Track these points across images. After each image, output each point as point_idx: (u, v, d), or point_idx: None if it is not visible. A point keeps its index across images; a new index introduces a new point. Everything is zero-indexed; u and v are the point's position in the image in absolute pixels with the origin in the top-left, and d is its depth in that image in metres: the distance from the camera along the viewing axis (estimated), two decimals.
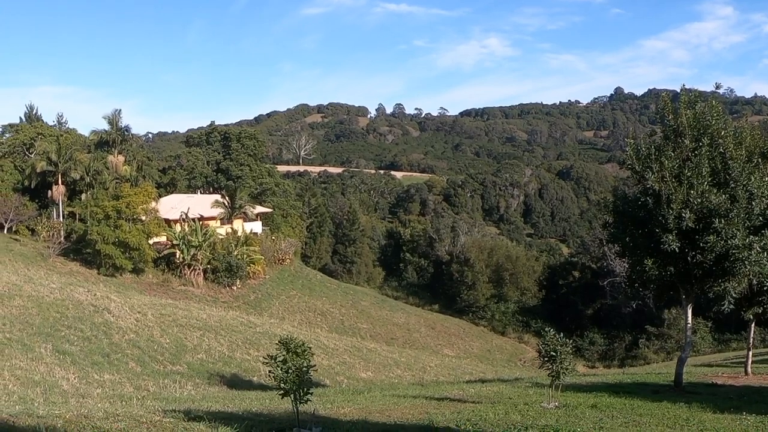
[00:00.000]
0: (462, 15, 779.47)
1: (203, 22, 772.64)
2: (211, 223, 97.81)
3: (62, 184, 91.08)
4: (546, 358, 23.21)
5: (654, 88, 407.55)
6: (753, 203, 25.22)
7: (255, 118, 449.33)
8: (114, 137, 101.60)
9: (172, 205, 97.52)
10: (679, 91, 28.26)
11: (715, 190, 25.22)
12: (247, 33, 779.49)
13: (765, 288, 27.66)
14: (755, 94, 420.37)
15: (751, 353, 38.07)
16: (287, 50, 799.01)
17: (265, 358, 16.40)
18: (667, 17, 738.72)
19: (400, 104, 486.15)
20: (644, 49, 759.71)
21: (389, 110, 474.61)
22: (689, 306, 29.09)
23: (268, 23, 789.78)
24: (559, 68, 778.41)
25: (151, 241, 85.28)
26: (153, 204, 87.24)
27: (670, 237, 25.41)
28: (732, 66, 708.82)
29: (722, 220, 24.71)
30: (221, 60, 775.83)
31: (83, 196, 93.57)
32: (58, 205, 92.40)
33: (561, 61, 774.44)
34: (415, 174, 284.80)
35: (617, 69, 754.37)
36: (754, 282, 27.67)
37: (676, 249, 25.60)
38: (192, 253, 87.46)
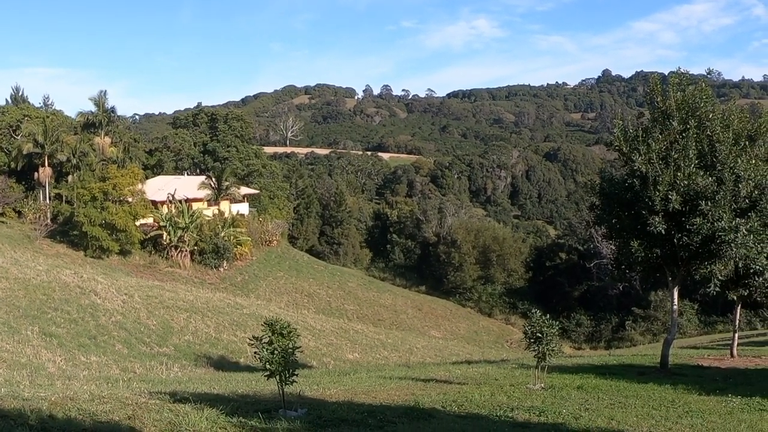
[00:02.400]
0: None
1: (194, 2, 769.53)
2: (198, 204, 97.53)
3: (49, 166, 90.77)
4: (532, 340, 23.29)
5: (641, 71, 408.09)
6: (739, 186, 25.23)
7: (242, 99, 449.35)
8: (100, 119, 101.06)
9: (158, 187, 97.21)
10: (667, 73, 28.29)
11: (701, 173, 25.23)
12: (238, 13, 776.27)
13: (751, 270, 27.68)
14: (743, 77, 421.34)
15: (736, 335, 38.29)
16: (277, 30, 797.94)
17: (251, 340, 16.39)
18: None
19: (388, 86, 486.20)
20: (633, 30, 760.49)
21: (376, 92, 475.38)
22: (675, 288, 29.18)
23: (260, 2, 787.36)
24: (548, 49, 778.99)
25: (137, 223, 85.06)
26: (140, 186, 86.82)
27: (657, 219, 25.44)
28: (721, 49, 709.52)
29: (709, 203, 24.74)
30: (210, 41, 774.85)
31: (70, 178, 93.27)
32: (44, 187, 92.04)
33: (550, 42, 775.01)
34: (402, 155, 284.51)
35: (606, 51, 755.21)
36: (740, 264, 27.69)
37: (663, 231, 25.62)
38: (179, 235, 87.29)
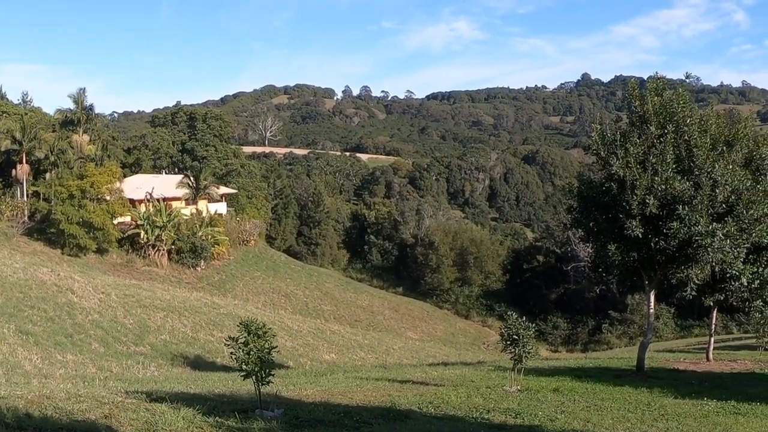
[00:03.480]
0: None
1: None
2: (176, 203, 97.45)
3: (26, 163, 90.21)
4: (508, 342, 23.32)
5: (621, 75, 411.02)
6: (716, 191, 25.38)
7: (221, 98, 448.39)
8: (79, 116, 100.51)
9: (136, 185, 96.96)
10: (645, 78, 28.42)
11: (679, 177, 25.37)
12: (217, 10, 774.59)
13: (727, 275, 27.81)
14: (721, 82, 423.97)
15: (712, 339, 38.44)
16: (257, 29, 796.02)
17: (227, 340, 16.40)
18: (638, 3, 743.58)
19: (367, 87, 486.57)
20: (614, 34, 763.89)
21: (356, 92, 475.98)
22: (652, 292, 29.33)
23: (240, 1, 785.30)
24: (528, 52, 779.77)
25: (115, 221, 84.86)
26: (118, 184, 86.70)
27: (634, 223, 25.56)
28: (700, 54, 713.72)
29: (686, 207, 24.88)
30: (190, 39, 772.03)
31: (48, 176, 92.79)
32: (22, 184, 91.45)
33: (530, 45, 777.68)
34: (380, 156, 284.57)
35: (586, 54, 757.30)
36: (717, 269, 27.85)
37: (640, 235, 25.75)
38: (156, 234, 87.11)
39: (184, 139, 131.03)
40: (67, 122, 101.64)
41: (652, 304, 29.81)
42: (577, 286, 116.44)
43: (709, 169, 25.42)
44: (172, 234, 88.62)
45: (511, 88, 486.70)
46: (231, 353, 16.22)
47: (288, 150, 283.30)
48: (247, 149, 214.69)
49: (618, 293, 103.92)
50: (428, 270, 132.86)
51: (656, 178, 25.39)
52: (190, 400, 17.24)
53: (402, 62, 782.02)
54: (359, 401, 20.52)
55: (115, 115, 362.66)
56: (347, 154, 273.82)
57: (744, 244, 26.01)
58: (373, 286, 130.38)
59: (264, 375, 16.06)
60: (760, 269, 28.75)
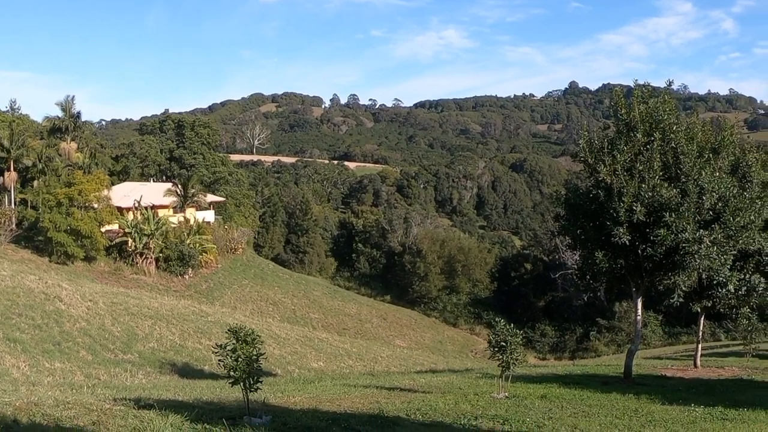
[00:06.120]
0: (421, 5, 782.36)
1: (163, 7, 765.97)
2: (164, 211, 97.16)
3: (14, 170, 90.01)
4: (496, 349, 23.33)
5: (608, 83, 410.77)
6: (703, 198, 25.44)
7: (209, 106, 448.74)
8: (67, 124, 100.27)
9: (124, 193, 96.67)
10: (633, 86, 28.48)
11: (666, 184, 25.45)
12: (206, 19, 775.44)
13: (714, 282, 27.90)
14: (709, 90, 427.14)
15: (700, 346, 38.53)
16: (246, 37, 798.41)
17: (215, 347, 16.39)
18: (626, 11, 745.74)
19: (355, 95, 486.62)
20: (602, 43, 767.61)
21: (344, 101, 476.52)
22: (639, 299, 29.36)
23: (229, 10, 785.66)
24: (516, 61, 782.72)
25: (103, 229, 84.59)
26: (105, 192, 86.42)
27: (621, 230, 25.62)
28: (689, 62, 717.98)
29: (673, 214, 24.93)
30: (178, 47, 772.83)
31: (35, 183, 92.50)
32: (9, 191, 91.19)
33: (518, 53, 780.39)
34: (368, 165, 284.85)
35: (574, 63, 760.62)
36: (704, 276, 27.98)
37: (627, 242, 25.82)
38: (144, 242, 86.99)
39: (172, 147, 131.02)
40: (55, 130, 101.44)
41: (639, 311, 29.85)
42: (565, 293, 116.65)
43: (695, 177, 25.50)
44: (160, 242, 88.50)
45: (499, 96, 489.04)
46: (219, 360, 16.19)
47: (276, 158, 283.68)
48: (235, 157, 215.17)
49: (606, 301, 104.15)
50: (416, 278, 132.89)
51: (643, 186, 25.46)
52: (178, 407, 17.22)
53: (390, 71, 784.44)
54: (347, 408, 20.53)
55: (103, 122, 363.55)
56: (335, 162, 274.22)
57: (731, 251, 26.09)
58: (361, 294, 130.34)
59: (252, 382, 16.05)
60: (747, 276, 28.95)
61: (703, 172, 25.58)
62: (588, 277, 30.33)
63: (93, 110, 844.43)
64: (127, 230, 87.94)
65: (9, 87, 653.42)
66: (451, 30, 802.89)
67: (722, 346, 68.23)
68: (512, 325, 23.98)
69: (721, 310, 35.41)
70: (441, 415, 19.50)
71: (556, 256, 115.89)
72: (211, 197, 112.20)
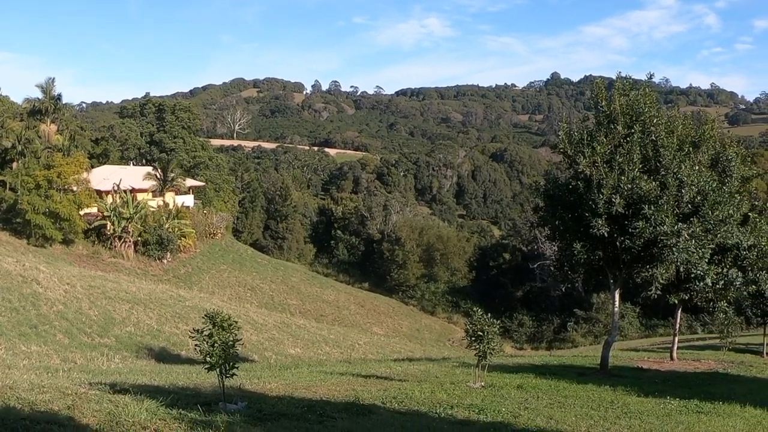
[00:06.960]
0: None
1: None
2: (143, 195, 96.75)
3: None
4: (473, 338, 23.28)
5: (590, 75, 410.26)
6: (682, 191, 25.44)
7: (190, 90, 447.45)
8: (47, 106, 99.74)
9: (104, 176, 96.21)
10: (614, 78, 28.47)
11: (645, 177, 25.40)
12: (188, 3, 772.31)
13: (692, 275, 27.87)
14: (690, 84, 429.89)
15: (677, 339, 38.68)
16: (227, 21, 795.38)
17: (192, 332, 16.33)
18: (609, 4, 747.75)
19: (336, 81, 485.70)
20: (584, 34, 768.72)
21: (325, 87, 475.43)
22: (617, 291, 29.38)
23: None
24: (498, 50, 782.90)
25: (82, 212, 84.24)
26: (85, 174, 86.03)
27: (600, 222, 25.58)
28: (671, 56, 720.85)
29: (652, 207, 24.91)
30: (160, 30, 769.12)
31: (14, 165, 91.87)
32: None
33: (500, 43, 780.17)
34: (348, 152, 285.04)
35: (556, 54, 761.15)
36: (681, 269, 27.94)
37: (605, 234, 25.77)
38: (123, 225, 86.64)
39: (152, 130, 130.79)
40: (35, 112, 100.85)
41: (617, 303, 29.89)
42: (543, 284, 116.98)
43: (675, 170, 25.49)
44: (139, 226, 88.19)
45: (480, 85, 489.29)
46: (195, 345, 16.15)
47: (256, 143, 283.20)
48: (216, 142, 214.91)
49: (583, 292, 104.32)
50: (394, 266, 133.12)
51: (623, 178, 25.40)
52: (154, 392, 17.16)
53: (372, 58, 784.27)
54: (323, 395, 20.49)
55: (84, 105, 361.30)
56: (315, 148, 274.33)
57: (709, 244, 26.10)
58: (340, 281, 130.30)
59: (228, 368, 16.03)
60: (725, 270, 28.97)
61: (683, 166, 25.58)
62: (566, 267, 30.29)
63: (73, 92, 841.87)
64: (105, 213, 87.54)
65: None
66: (433, 18, 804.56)
67: (699, 339, 68.48)
68: (490, 314, 23.92)
69: (699, 303, 35.51)
70: (417, 404, 19.48)
71: (535, 247, 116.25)
72: (190, 182, 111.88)
